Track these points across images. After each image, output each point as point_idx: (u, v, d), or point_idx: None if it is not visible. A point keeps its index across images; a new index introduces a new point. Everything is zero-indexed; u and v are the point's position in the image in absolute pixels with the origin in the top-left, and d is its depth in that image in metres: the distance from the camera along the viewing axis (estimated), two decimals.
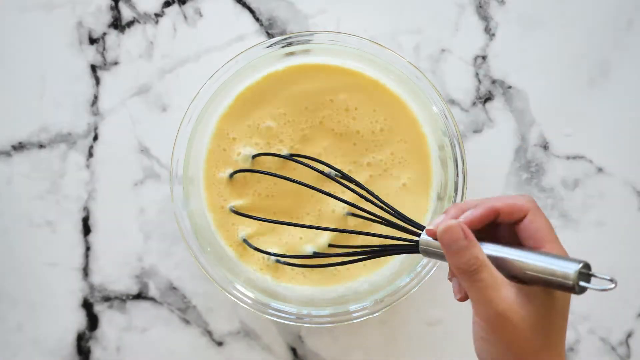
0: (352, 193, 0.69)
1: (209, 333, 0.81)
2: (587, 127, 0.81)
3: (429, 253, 0.59)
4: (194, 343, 0.81)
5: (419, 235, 0.60)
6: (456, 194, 0.73)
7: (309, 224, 0.74)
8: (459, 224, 0.55)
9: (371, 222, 0.70)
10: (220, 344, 0.81)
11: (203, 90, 0.74)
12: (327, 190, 0.70)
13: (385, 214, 0.67)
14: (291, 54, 0.74)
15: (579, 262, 0.52)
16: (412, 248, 0.61)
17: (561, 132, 0.81)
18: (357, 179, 0.72)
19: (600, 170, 0.81)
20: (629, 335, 0.81)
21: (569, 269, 0.52)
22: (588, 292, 0.83)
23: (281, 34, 0.81)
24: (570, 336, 0.81)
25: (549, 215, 0.81)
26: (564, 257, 0.54)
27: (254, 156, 0.74)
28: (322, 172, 0.71)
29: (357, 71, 0.75)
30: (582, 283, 0.52)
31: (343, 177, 0.72)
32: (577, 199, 0.81)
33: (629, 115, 0.82)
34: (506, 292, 0.55)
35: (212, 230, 0.75)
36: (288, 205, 0.75)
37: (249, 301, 0.73)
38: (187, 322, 0.81)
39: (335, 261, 0.69)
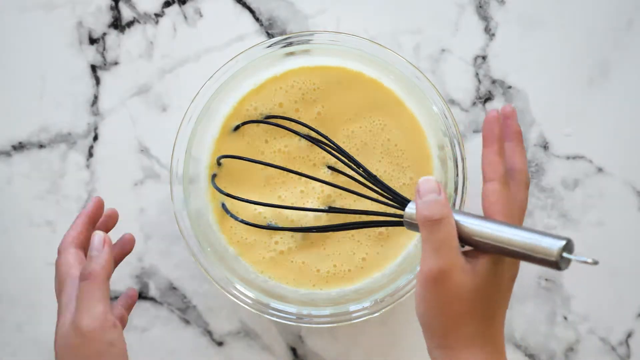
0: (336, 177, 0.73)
1: (209, 333, 0.81)
2: (587, 127, 0.81)
3: (411, 225, 0.61)
4: (194, 343, 0.81)
5: (404, 208, 0.62)
6: (456, 194, 0.73)
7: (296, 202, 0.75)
8: (437, 181, 0.59)
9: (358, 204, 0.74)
10: (220, 344, 0.81)
11: (203, 90, 0.74)
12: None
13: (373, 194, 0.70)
14: (291, 54, 0.74)
15: (563, 239, 0.54)
16: (397, 220, 0.64)
17: (561, 132, 0.81)
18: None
19: (600, 170, 0.81)
20: (629, 335, 0.81)
21: (553, 246, 0.54)
22: (588, 292, 0.83)
23: (281, 34, 0.81)
24: (570, 336, 0.81)
25: (549, 215, 0.81)
26: (546, 233, 0.56)
27: (238, 126, 0.75)
28: (312, 140, 0.73)
29: (357, 71, 0.75)
30: (565, 254, 0.54)
31: (334, 149, 0.73)
32: (577, 199, 0.81)
33: (629, 115, 0.82)
34: (456, 254, 0.57)
35: (213, 229, 0.75)
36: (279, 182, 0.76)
37: (249, 301, 0.73)
38: (187, 322, 0.81)
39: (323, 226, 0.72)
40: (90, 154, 0.82)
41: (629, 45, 0.81)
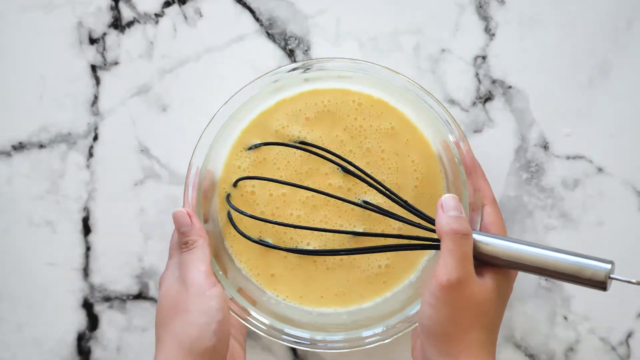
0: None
1: None
2: (587, 127, 0.81)
3: None
4: None
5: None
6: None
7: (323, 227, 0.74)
8: (457, 198, 0.65)
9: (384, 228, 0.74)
10: None
11: (221, 112, 0.72)
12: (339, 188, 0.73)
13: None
14: (306, 80, 0.74)
15: (607, 262, 0.60)
16: (434, 244, 0.67)
17: (561, 132, 0.81)
18: (368, 200, 0.73)
19: (600, 170, 0.81)
20: (629, 335, 0.81)
21: (601, 269, 0.60)
22: (588, 292, 0.83)
23: (281, 34, 0.81)
24: (570, 336, 0.81)
25: (549, 215, 0.81)
26: (585, 255, 0.61)
27: (256, 146, 0.74)
28: (338, 165, 0.72)
29: (367, 94, 0.74)
30: (612, 275, 0.60)
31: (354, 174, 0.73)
32: (577, 199, 0.81)
33: (629, 115, 0.82)
34: (472, 267, 0.63)
35: (228, 253, 0.75)
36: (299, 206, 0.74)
37: (264, 327, 0.71)
38: None
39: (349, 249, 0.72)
40: (90, 154, 0.82)
41: (629, 45, 0.81)
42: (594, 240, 0.81)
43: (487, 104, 0.82)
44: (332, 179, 0.74)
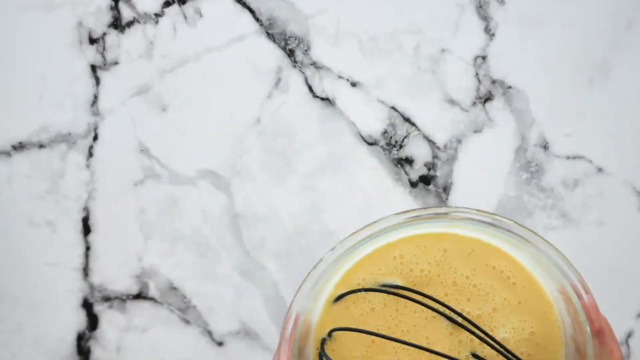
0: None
1: (209, 333, 0.81)
2: (587, 127, 0.81)
3: None
4: (194, 343, 0.81)
5: None
6: None
7: None
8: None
9: None
10: (220, 344, 0.81)
11: (326, 256, 0.64)
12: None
13: None
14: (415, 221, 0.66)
15: None
16: None
17: (561, 132, 0.81)
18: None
19: (600, 170, 0.81)
20: (629, 335, 0.81)
21: None
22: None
23: (281, 34, 0.81)
24: None
25: (549, 215, 0.81)
26: None
27: (339, 297, 0.65)
28: (447, 316, 0.63)
29: (488, 243, 0.66)
30: None
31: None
32: (577, 199, 0.81)
33: (629, 115, 0.82)
34: None
35: None
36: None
37: None
38: (187, 322, 0.81)
39: None
40: (90, 154, 0.82)
41: (629, 45, 0.81)
42: (594, 240, 0.81)
43: (487, 104, 0.82)
44: (458, 337, 0.65)
